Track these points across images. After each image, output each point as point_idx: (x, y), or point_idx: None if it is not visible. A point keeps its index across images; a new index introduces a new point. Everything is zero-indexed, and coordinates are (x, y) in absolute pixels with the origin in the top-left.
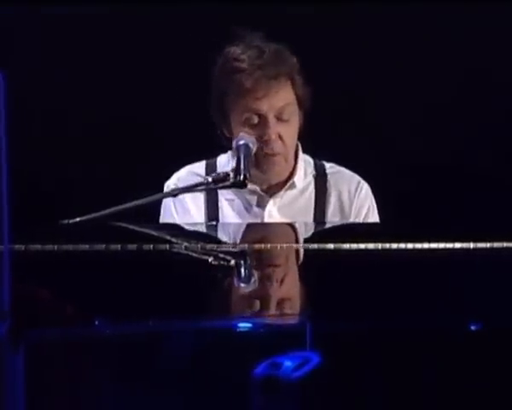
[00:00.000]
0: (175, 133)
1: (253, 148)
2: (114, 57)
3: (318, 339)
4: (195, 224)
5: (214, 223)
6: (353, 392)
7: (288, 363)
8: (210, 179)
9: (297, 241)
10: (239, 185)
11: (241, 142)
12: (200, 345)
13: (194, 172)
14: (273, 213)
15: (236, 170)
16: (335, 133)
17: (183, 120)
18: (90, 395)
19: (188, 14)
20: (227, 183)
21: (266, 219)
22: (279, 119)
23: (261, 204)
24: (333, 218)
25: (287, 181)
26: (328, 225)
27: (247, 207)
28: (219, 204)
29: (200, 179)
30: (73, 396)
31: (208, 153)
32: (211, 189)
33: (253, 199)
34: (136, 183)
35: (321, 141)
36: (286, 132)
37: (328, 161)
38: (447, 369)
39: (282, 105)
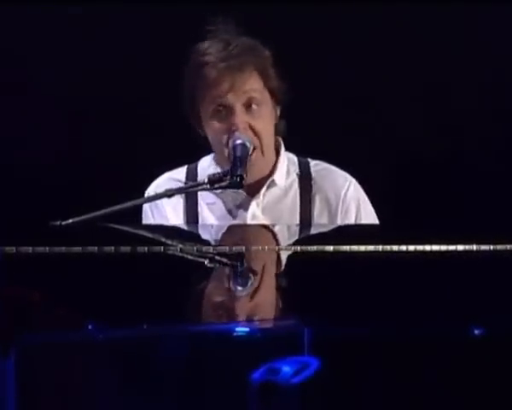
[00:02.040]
0: (166, 136)
1: (250, 147)
2: (98, 59)
3: (317, 344)
4: (191, 225)
5: (212, 224)
6: (353, 398)
7: (286, 368)
8: (206, 180)
9: (294, 243)
10: (236, 186)
11: (238, 141)
12: (197, 350)
13: (173, 178)
14: (257, 214)
15: (233, 170)
16: (330, 132)
17: (171, 124)
18: (81, 399)
19: (161, 18)
20: (223, 183)
21: (249, 222)
22: (247, 107)
23: (243, 206)
24: (320, 217)
25: (266, 179)
26: (324, 227)
27: (230, 210)
28: (199, 209)
29: (179, 185)
30: (65, 401)
31: (191, 157)
32: (206, 189)
33: (235, 201)
34: (131, 184)
35: (313, 139)
36: (256, 122)
37: (323, 160)
38: (449, 374)
39: (248, 95)
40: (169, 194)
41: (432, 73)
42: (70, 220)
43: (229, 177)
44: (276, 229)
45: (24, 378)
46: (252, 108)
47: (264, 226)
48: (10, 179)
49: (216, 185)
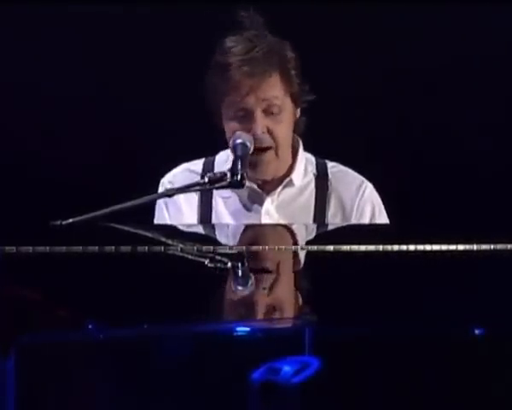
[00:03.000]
0: (173, 132)
1: (251, 147)
2: (112, 54)
3: (317, 344)
4: (191, 225)
5: (212, 224)
6: (353, 398)
7: (286, 368)
8: (206, 179)
9: (296, 243)
10: (236, 185)
11: (238, 141)
12: (197, 350)
13: (190, 169)
14: (271, 211)
15: (233, 169)
16: (342, 132)
17: (182, 118)
18: (82, 399)
19: (185, 11)
20: (224, 183)
21: (263, 219)
22: (267, 113)
23: (258, 203)
24: (333, 219)
25: (284, 178)
26: (328, 227)
27: (244, 206)
28: (213, 203)
29: (195, 177)
30: (65, 401)
31: (209, 151)
32: (207, 189)
33: (250, 197)
34: (132, 183)
35: (326, 139)
36: (275, 127)
37: (334, 160)
38: (449, 375)
39: (269, 100)
40: (169, 194)
41: (439, 75)
42: (70, 220)
43: (229, 176)
44: (279, 229)
45: (24, 378)
46: (272, 113)
47: (267, 226)
48: (10, 179)
49: (217, 185)
